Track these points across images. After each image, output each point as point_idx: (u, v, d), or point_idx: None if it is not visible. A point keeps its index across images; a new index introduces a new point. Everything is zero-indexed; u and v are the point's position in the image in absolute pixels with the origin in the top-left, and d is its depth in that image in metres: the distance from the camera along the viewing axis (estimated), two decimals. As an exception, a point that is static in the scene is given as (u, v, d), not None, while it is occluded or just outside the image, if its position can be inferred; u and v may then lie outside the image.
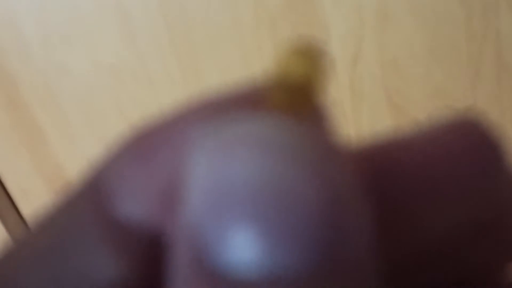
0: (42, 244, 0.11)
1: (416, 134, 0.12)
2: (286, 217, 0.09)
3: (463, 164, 0.11)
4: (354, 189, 0.09)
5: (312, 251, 0.09)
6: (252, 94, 0.11)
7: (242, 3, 0.45)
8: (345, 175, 0.09)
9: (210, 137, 0.10)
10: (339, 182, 0.09)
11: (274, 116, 0.10)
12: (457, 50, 0.45)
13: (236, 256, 0.09)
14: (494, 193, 0.12)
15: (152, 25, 0.47)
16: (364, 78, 0.47)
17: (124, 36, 0.48)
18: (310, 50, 0.10)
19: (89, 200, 0.11)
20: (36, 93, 0.51)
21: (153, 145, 0.11)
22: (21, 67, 0.50)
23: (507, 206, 0.12)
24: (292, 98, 0.10)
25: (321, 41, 0.45)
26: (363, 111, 0.48)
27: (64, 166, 0.54)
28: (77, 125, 0.52)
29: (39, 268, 0.11)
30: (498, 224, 0.12)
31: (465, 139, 0.12)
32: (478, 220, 0.12)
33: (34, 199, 0.56)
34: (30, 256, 0.11)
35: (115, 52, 0.48)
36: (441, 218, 0.11)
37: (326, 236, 0.09)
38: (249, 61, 0.46)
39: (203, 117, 0.11)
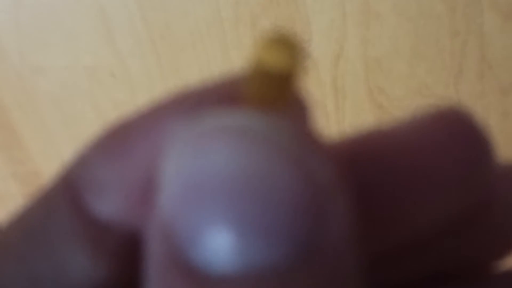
0: (17, 242, 0.11)
1: (399, 125, 0.12)
2: (262, 210, 0.08)
3: (446, 153, 0.11)
4: (334, 180, 0.09)
5: (288, 245, 0.08)
6: (229, 87, 0.11)
7: (225, 2, 0.45)
8: (325, 166, 0.09)
9: (184, 130, 0.09)
10: (318, 174, 0.09)
11: (251, 108, 0.10)
12: (440, 47, 0.45)
13: (211, 250, 0.08)
14: (478, 182, 0.11)
15: (131, 23, 0.46)
16: (347, 76, 0.47)
17: (102, 35, 0.47)
18: (286, 41, 0.10)
19: (64, 197, 0.11)
20: (11, 94, 0.50)
21: (127, 140, 0.11)
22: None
23: (492, 195, 0.12)
24: (269, 89, 0.10)
25: (303, 38, 0.45)
26: (346, 108, 0.48)
27: (40, 169, 0.53)
28: (53, 127, 0.51)
29: (14, 266, 0.11)
30: (484, 213, 0.12)
31: (448, 128, 0.11)
32: (462, 209, 0.12)
33: (9, 204, 0.55)
34: (4, 254, 0.11)
35: (93, 51, 0.48)
36: (425, 207, 0.11)
37: (303, 229, 0.08)
38: (230, 58, 0.46)
39: (179, 111, 0.11)
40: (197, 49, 0.47)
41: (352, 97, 0.47)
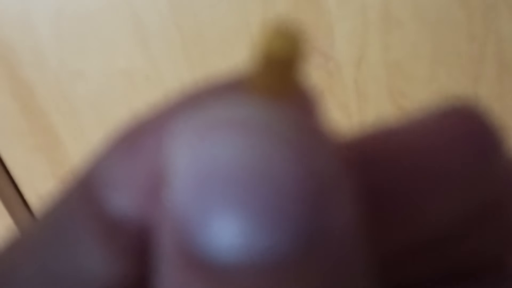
0: (35, 241, 0.11)
1: (409, 121, 0.12)
2: (269, 200, 0.08)
3: (458, 149, 0.11)
4: (339, 170, 0.09)
5: (295, 235, 0.08)
6: (236, 79, 0.11)
7: (250, 6, 0.45)
8: (330, 156, 0.09)
9: (189, 120, 0.09)
10: (323, 163, 0.09)
11: (256, 98, 0.09)
12: (458, 51, 0.45)
13: (220, 240, 0.08)
14: (490, 179, 0.11)
15: (165, 30, 0.47)
16: (369, 80, 0.47)
17: (137, 41, 0.48)
18: (289, 29, 0.10)
19: (81, 195, 0.11)
20: (51, 98, 0.51)
21: (140, 137, 0.11)
22: (36, 73, 0.50)
23: (505, 192, 0.12)
24: (274, 76, 0.10)
25: (326, 43, 0.46)
26: (368, 111, 0.48)
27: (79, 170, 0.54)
28: (92, 130, 0.52)
29: (32, 264, 0.11)
30: (497, 210, 0.12)
31: (459, 124, 0.11)
32: (475, 206, 0.11)
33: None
34: (24, 251, 0.11)
35: (128, 57, 0.49)
36: (436, 204, 0.11)
37: (309, 220, 0.08)
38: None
39: (189, 106, 0.11)
40: (227, 54, 0.47)
41: (374, 100, 0.48)
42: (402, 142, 0.11)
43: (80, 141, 0.53)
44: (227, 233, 0.08)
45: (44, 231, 0.11)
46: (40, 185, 0.56)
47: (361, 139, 0.11)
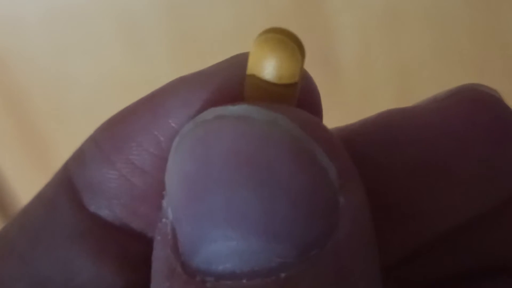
0: (18, 241, 0.11)
1: (421, 106, 0.12)
2: (263, 210, 0.08)
3: (471, 135, 0.11)
4: (343, 174, 0.09)
5: (288, 246, 0.08)
6: (221, 76, 0.11)
7: (248, 9, 0.45)
8: (333, 160, 0.09)
9: (190, 127, 0.09)
10: (324, 167, 0.08)
11: (253, 104, 0.09)
12: (461, 49, 0.45)
13: (212, 254, 0.08)
14: (505, 166, 0.11)
15: (161, 34, 0.47)
16: (372, 79, 0.47)
17: (131, 46, 0.48)
18: (285, 34, 0.10)
19: (64, 196, 0.11)
20: (43, 101, 0.51)
21: (124, 133, 0.11)
22: (28, 77, 0.50)
23: None
24: (270, 76, 0.10)
25: (326, 43, 0.45)
26: (371, 111, 0.47)
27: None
28: (85, 134, 0.51)
29: (17, 266, 0.10)
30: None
31: (471, 109, 0.11)
32: (492, 195, 0.11)
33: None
34: (5, 252, 0.11)
35: (122, 62, 0.48)
36: (452, 192, 0.10)
37: (305, 229, 0.08)
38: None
39: (177, 97, 0.11)
40: (223, 57, 0.47)
41: (377, 100, 0.47)
42: (415, 122, 0.11)
43: (72, 145, 0.52)
44: (220, 247, 0.08)
45: (28, 231, 0.11)
46: (29, 187, 0.54)
47: (371, 125, 0.11)
